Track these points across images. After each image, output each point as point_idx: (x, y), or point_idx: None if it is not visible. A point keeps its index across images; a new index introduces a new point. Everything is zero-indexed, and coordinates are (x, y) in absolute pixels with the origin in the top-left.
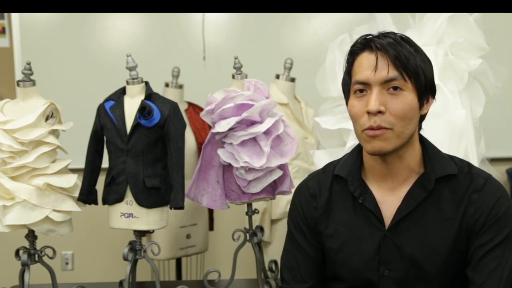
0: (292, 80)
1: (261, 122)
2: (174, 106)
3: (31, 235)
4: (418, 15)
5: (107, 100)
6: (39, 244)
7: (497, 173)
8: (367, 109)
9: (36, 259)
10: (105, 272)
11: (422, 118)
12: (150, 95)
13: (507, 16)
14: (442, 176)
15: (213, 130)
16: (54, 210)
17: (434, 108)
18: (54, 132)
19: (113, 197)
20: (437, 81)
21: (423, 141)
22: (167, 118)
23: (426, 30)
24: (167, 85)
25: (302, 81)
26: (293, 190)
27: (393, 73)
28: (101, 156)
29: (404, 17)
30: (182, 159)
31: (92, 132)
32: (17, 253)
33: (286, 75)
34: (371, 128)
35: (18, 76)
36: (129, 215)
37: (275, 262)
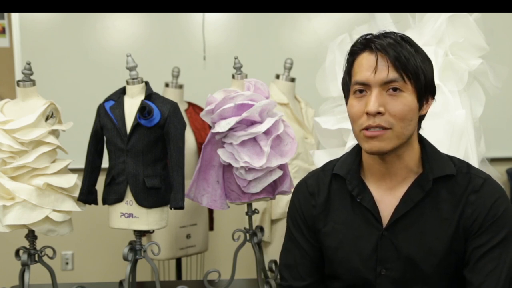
0: (292, 80)
1: (261, 122)
2: (174, 106)
3: (31, 235)
4: (418, 15)
5: (107, 100)
6: (39, 244)
7: (497, 173)
8: (366, 110)
9: (36, 259)
10: (105, 272)
11: (421, 118)
12: (150, 95)
13: (507, 16)
14: (440, 176)
15: (213, 130)
16: (54, 210)
17: (434, 108)
18: (54, 132)
19: (113, 197)
20: (437, 81)
21: (422, 141)
22: (167, 118)
23: (426, 30)
24: (167, 85)
25: (302, 81)
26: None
27: (393, 74)
28: (101, 156)
29: (404, 17)
30: (182, 159)
31: (92, 132)
32: (17, 253)
33: (286, 75)
34: (370, 127)
35: (18, 76)
36: (129, 215)
37: (275, 262)
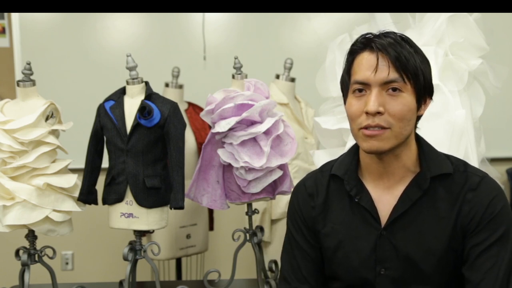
0: (292, 80)
1: (261, 122)
2: (174, 106)
3: (31, 235)
4: (418, 15)
5: (107, 100)
6: (39, 244)
7: (497, 173)
8: (366, 110)
9: (36, 259)
10: (105, 272)
11: (418, 118)
12: (150, 95)
13: (507, 16)
14: (438, 175)
15: (213, 130)
16: (54, 210)
17: (434, 108)
18: (54, 132)
19: (113, 197)
20: (437, 81)
21: (419, 140)
22: (167, 118)
23: (426, 30)
24: (167, 85)
25: (302, 81)
26: None
27: (393, 75)
28: (101, 156)
29: (404, 17)
30: (182, 159)
31: (92, 132)
32: (17, 253)
33: (286, 75)
34: (369, 126)
35: (18, 76)
36: (129, 215)
37: (275, 262)
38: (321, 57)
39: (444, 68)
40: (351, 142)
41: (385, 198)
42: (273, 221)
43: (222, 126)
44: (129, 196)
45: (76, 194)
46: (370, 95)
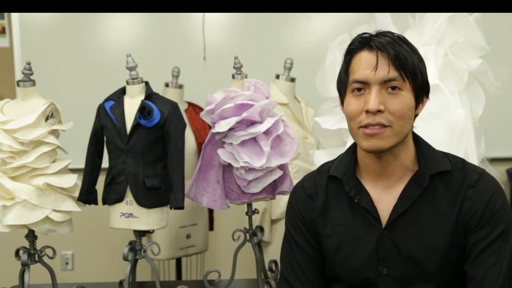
0: (292, 80)
1: (261, 122)
2: (174, 106)
3: (31, 235)
4: (418, 15)
5: (107, 100)
6: (39, 244)
7: (497, 173)
8: (366, 108)
9: (36, 259)
10: (105, 272)
11: (415, 117)
12: (150, 95)
13: (507, 16)
14: (437, 172)
15: (213, 130)
16: (54, 210)
17: (434, 108)
18: (54, 132)
19: (113, 197)
20: (437, 81)
21: (417, 139)
22: (167, 118)
23: (426, 30)
24: (167, 85)
25: (302, 81)
26: None
27: (393, 73)
28: (101, 156)
29: (404, 17)
30: (182, 159)
31: (92, 132)
32: (17, 253)
33: (286, 75)
34: (369, 124)
35: (18, 76)
36: (129, 215)
37: (275, 262)
38: (321, 57)
39: (444, 68)
40: (351, 142)
41: (384, 198)
42: (273, 221)
43: (222, 126)
44: (129, 196)
45: (76, 194)
46: (369, 93)
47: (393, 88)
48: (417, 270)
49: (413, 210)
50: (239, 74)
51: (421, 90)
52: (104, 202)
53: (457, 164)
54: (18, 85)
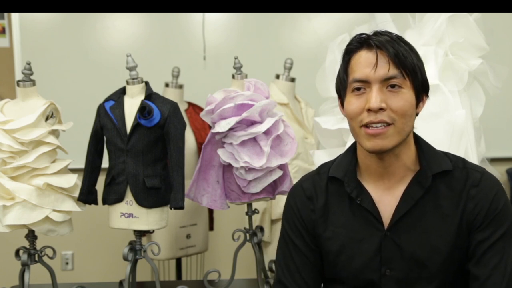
0: (292, 80)
1: (261, 122)
2: (174, 106)
3: (31, 235)
4: (418, 15)
5: (107, 100)
6: (39, 244)
7: (497, 173)
8: (367, 107)
9: (36, 259)
10: (105, 272)
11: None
12: (150, 95)
13: (507, 16)
14: (438, 172)
15: (213, 130)
16: (54, 210)
17: (434, 108)
18: (54, 132)
19: (113, 197)
20: (437, 81)
21: (417, 139)
22: (167, 118)
23: (426, 30)
24: (167, 85)
25: (302, 81)
26: None
27: (393, 71)
28: (101, 156)
29: (404, 17)
30: (182, 159)
31: (92, 132)
32: (17, 253)
33: (286, 75)
34: (371, 123)
35: (18, 76)
36: (129, 215)
37: (275, 262)
38: (321, 57)
39: (444, 68)
40: (351, 142)
41: (386, 199)
42: (273, 221)
43: (222, 126)
44: (129, 196)
45: (76, 194)
46: (370, 92)
47: (394, 86)
48: (420, 271)
49: (416, 210)
50: (239, 74)
51: (421, 89)
52: (104, 202)
53: (458, 163)
54: (18, 85)
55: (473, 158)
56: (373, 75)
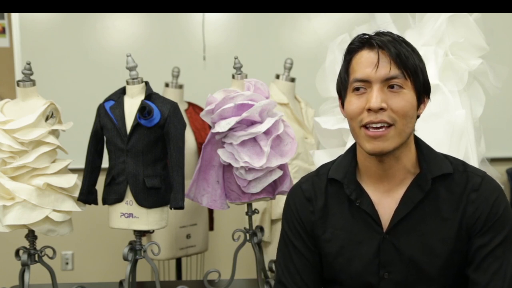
0: (292, 80)
1: (261, 122)
2: (174, 106)
3: (31, 235)
4: (418, 15)
5: (107, 100)
6: (39, 244)
7: (497, 173)
8: (368, 106)
9: (36, 259)
10: (105, 272)
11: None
12: (150, 95)
13: (507, 16)
14: (438, 175)
15: (213, 130)
16: (54, 210)
17: (434, 108)
18: (54, 132)
19: (113, 197)
20: (437, 81)
21: (417, 141)
22: (167, 118)
23: (426, 30)
24: (167, 85)
25: (302, 81)
26: None
27: (394, 71)
28: (101, 156)
29: (404, 17)
30: (182, 159)
31: (92, 132)
32: (17, 253)
33: (286, 75)
34: (371, 123)
35: (18, 76)
36: (129, 215)
37: (275, 262)
38: (321, 57)
39: (444, 68)
40: (351, 142)
41: (385, 201)
42: (273, 221)
43: (222, 126)
44: (129, 196)
45: (76, 194)
46: (371, 92)
47: (395, 86)
48: (419, 274)
49: (415, 213)
50: (239, 74)
51: (422, 90)
52: (104, 202)
53: (459, 167)
54: (18, 85)
55: (473, 158)
56: (374, 75)
